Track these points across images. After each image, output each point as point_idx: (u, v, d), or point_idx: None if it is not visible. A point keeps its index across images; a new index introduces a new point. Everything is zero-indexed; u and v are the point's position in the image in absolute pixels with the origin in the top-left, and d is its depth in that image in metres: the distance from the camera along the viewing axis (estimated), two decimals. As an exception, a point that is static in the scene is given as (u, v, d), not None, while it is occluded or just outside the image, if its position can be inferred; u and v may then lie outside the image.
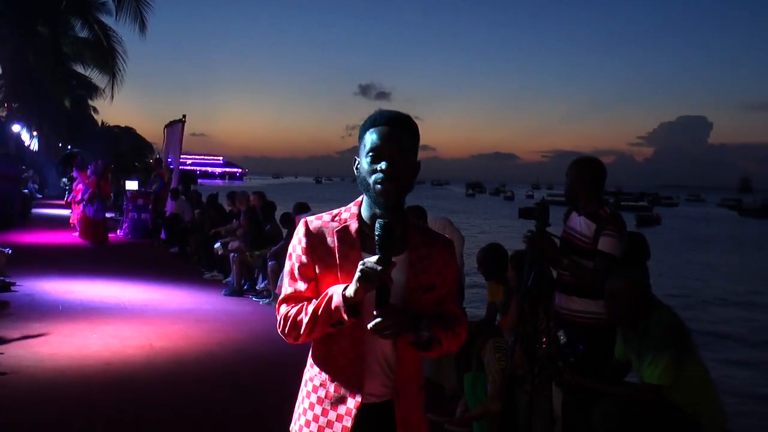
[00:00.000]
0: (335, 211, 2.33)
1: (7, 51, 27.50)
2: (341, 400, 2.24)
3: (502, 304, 5.60)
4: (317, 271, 2.25)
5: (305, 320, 2.19)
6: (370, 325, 2.07)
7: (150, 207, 18.12)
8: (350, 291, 2.09)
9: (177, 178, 18.42)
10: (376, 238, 2.06)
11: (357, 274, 2.06)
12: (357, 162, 2.26)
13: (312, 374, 2.33)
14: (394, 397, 2.25)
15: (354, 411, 2.21)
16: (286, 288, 2.31)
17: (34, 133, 39.44)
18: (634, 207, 69.28)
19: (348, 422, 2.21)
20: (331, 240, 2.24)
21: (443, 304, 2.32)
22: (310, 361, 2.35)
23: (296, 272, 2.28)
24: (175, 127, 18.98)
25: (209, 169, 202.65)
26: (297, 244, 2.29)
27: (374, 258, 2.06)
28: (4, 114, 35.63)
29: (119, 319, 8.28)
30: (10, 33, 25.62)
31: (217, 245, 11.77)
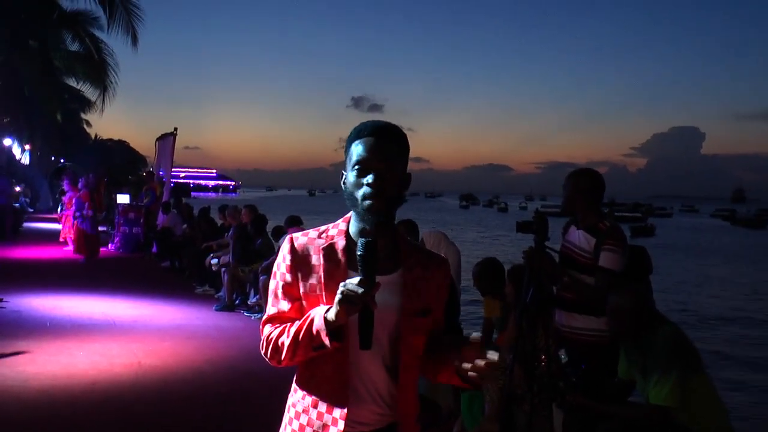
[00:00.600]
0: (323, 228, 2.23)
1: (-3, 65, 27.40)
2: (324, 429, 2.11)
3: (498, 320, 5.46)
4: (302, 290, 2.14)
5: (287, 343, 2.07)
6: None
7: (141, 221, 17.97)
8: (331, 314, 1.97)
9: (168, 192, 18.29)
10: (358, 257, 1.93)
11: (337, 296, 1.94)
12: (344, 176, 2.15)
13: (295, 399, 2.21)
14: (397, 428, 2.14)
15: None
16: (269, 308, 2.20)
17: (26, 147, 39.26)
18: (627, 218, 69.54)
19: None
20: (317, 258, 2.13)
21: (437, 326, 2.22)
22: (294, 385, 2.23)
23: (280, 291, 2.17)
24: (167, 140, 18.87)
25: (202, 182, 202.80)
26: (281, 262, 2.18)
27: (356, 279, 1.93)
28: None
29: (107, 336, 8.11)
30: (0, 47, 25.49)
31: (213, 261, 11.63)
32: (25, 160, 39.79)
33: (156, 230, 16.81)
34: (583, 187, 4.28)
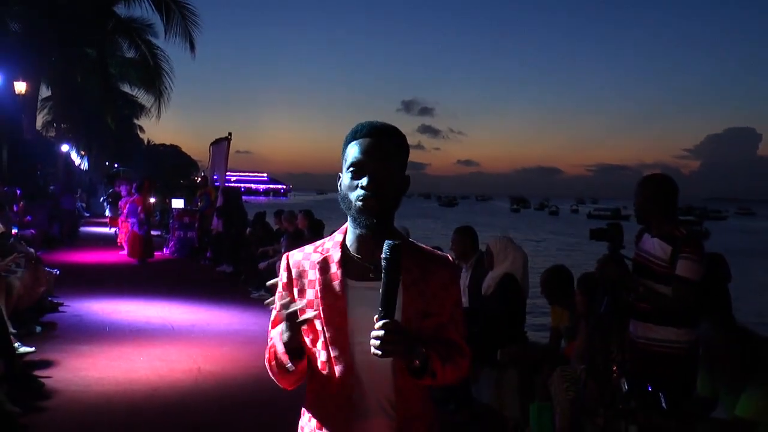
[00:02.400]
0: (319, 242, 2.17)
1: (56, 73, 27.98)
2: None
3: (567, 329, 5.32)
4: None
5: (275, 368, 2.08)
6: (373, 334, 1.87)
7: (196, 225, 18.10)
8: (284, 336, 1.97)
9: (222, 196, 18.40)
10: (384, 261, 1.89)
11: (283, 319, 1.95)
12: (340, 179, 2.08)
13: (303, 422, 2.16)
14: None
15: None
16: (271, 329, 2.13)
17: (83, 153, 40.09)
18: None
19: None
20: (313, 273, 2.08)
21: (443, 331, 2.09)
22: (303, 408, 2.17)
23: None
24: (221, 144, 18.97)
25: (253, 185, 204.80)
26: (279, 281, 2.14)
27: (300, 303, 1.97)
28: (53, 134, 36.32)
29: (166, 342, 8.14)
30: (58, 55, 26.03)
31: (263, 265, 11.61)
32: (84, 165, 40.63)
33: (210, 234, 16.90)
34: (655, 193, 4.11)
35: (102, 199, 22.99)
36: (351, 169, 2.01)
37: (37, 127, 30.31)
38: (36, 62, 23.41)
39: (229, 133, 18.30)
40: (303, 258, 2.12)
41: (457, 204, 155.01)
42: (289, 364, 1.98)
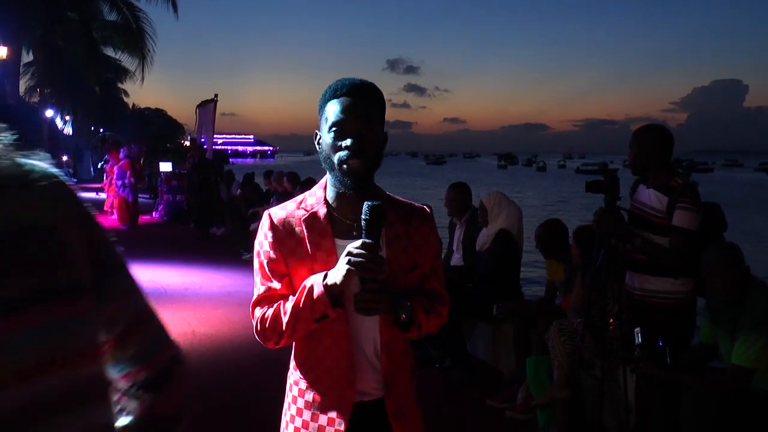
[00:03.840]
0: (299, 198, 2.15)
1: (37, 37, 27.57)
2: (331, 404, 2.05)
3: (562, 283, 5.31)
4: (289, 265, 2.06)
5: (285, 320, 2.01)
6: (355, 295, 1.92)
7: (184, 188, 17.99)
8: (332, 279, 1.92)
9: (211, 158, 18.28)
10: (363, 222, 1.90)
11: (343, 260, 1.90)
12: (318, 137, 2.07)
13: (296, 377, 2.15)
14: (384, 390, 2.07)
15: (347, 414, 2.05)
16: (258, 288, 2.12)
17: (67, 118, 39.67)
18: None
19: (341, 426, 2.05)
20: (300, 230, 2.06)
21: (426, 282, 2.15)
22: (293, 363, 2.17)
23: (267, 270, 2.09)
24: (207, 107, 18.79)
25: (240, 147, 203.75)
26: (263, 240, 2.10)
27: (358, 242, 1.89)
28: (36, 100, 35.88)
29: (159, 305, 7.81)
30: (39, 19, 25.61)
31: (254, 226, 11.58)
32: (68, 130, 40.24)
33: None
34: (652, 144, 4.05)
35: (100, 165, 22.69)
36: (333, 129, 1.98)
37: (20, 93, 29.94)
38: (16, 26, 23.04)
39: (215, 95, 18.12)
40: (287, 215, 2.09)
41: (445, 162, 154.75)
42: (329, 307, 1.94)
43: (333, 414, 2.05)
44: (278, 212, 2.11)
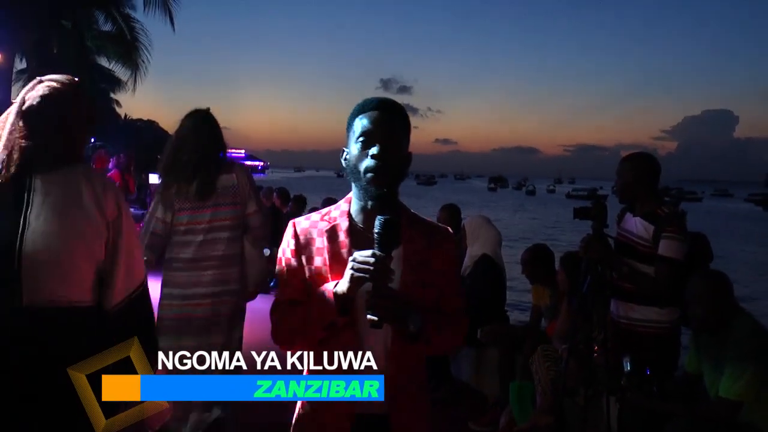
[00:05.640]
0: (324, 210, 2.22)
1: (31, 44, 27.48)
2: (332, 413, 2.08)
3: (548, 308, 5.31)
4: (307, 274, 2.14)
5: (297, 326, 2.11)
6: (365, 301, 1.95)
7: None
8: (340, 287, 2.00)
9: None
10: (376, 235, 1.95)
11: (348, 267, 1.97)
12: (345, 153, 2.15)
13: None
14: (389, 403, 2.06)
15: (348, 424, 2.07)
16: (277, 293, 2.21)
17: (58, 127, 39.48)
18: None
19: None
20: (321, 240, 2.14)
21: (444, 303, 2.18)
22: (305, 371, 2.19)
23: (286, 276, 2.18)
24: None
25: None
26: (286, 247, 2.19)
27: (367, 252, 1.95)
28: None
29: None
30: (33, 26, 25.57)
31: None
32: (57, 139, 40.09)
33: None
34: (639, 172, 4.07)
35: None
36: (360, 139, 2.06)
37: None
38: (10, 32, 23.00)
39: (207, 108, 18.13)
40: (310, 226, 2.16)
41: (436, 182, 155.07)
42: (335, 313, 2.01)
43: (334, 422, 2.08)
44: (302, 222, 2.19)
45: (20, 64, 30.71)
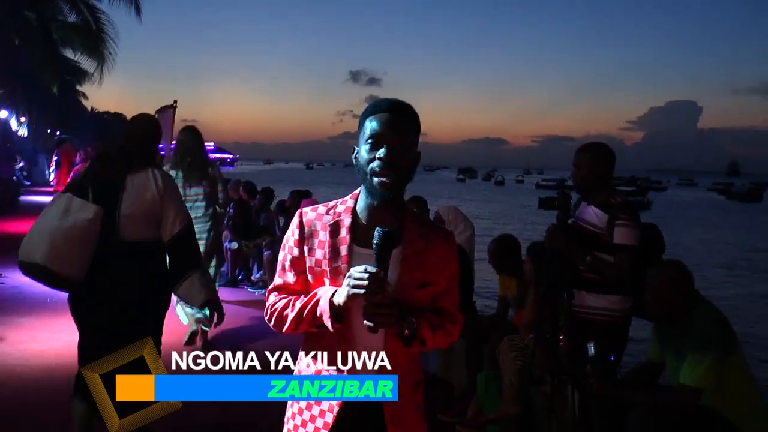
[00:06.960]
0: (331, 203, 2.30)
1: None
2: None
3: (515, 298, 5.33)
4: (307, 264, 2.23)
5: (290, 316, 2.18)
6: (365, 308, 2.03)
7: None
8: (337, 298, 2.08)
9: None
10: (374, 246, 2.04)
11: (345, 283, 2.06)
12: (356, 151, 2.21)
13: (302, 366, 2.31)
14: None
15: (336, 407, 2.18)
16: (276, 278, 2.32)
17: (22, 120, 38.95)
18: (625, 192, 69.13)
19: (329, 418, 2.18)
20: (324, 234, 2.22)
21: (438, 300, 2.26)
22: (301, 353, 2.34)
23: (287, 263, 2.28)
24: (167, 113, 18.49)
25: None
26: (290, 236, 2.28)
27: (361, 267, 2.02)
28: (-10, 100, 35.18)
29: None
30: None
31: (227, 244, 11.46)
32: (22, 132, 39.50)
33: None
34: (594, 162, 4.13)
35: (52, 168, 22.26)
36: (369, 140, 2.12)
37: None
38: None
39: (175, 101, 17.91)
40: (316, 218, 2.25)
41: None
42: (329, 323, 2.10)
43: (325, 406, 2.19)
44: (309, 213, 2.27)
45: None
